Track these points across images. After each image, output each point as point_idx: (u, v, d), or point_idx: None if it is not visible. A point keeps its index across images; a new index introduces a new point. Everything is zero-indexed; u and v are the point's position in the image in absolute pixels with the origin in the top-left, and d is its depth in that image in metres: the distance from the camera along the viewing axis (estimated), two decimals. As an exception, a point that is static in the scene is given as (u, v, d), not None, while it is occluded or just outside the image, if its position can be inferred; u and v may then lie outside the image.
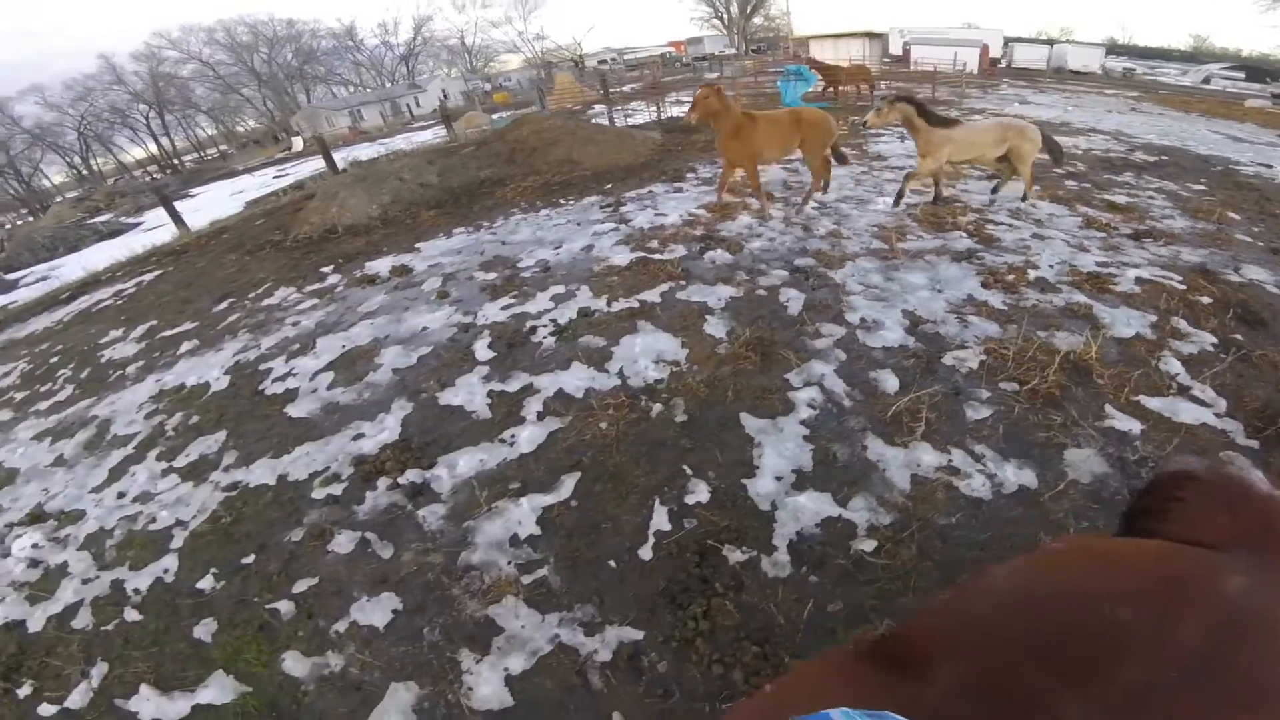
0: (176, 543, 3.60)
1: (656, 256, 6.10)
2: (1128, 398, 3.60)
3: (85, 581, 3.49)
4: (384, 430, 4.15)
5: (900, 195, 6.74)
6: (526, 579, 2.95)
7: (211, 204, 14.60)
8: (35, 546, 3.82)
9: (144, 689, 2.81)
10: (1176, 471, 1.08)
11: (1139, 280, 5.00)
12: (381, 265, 6.97)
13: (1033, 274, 5.19)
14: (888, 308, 4.80)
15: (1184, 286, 4.85)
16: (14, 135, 49.74)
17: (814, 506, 3.07)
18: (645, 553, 2.96)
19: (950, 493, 3.06)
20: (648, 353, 4.51)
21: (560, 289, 5.69)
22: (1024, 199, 7.08)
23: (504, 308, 5.51)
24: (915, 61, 23.03)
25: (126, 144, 56.25)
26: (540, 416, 4.01)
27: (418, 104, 46.11)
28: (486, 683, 2.58)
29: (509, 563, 3.05)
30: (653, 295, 5.33)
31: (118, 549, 3.67)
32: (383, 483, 3.70)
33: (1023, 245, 5.90)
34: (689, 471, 3.37)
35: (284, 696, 2.65)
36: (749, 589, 2.71)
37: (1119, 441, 3.30)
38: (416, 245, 7.38)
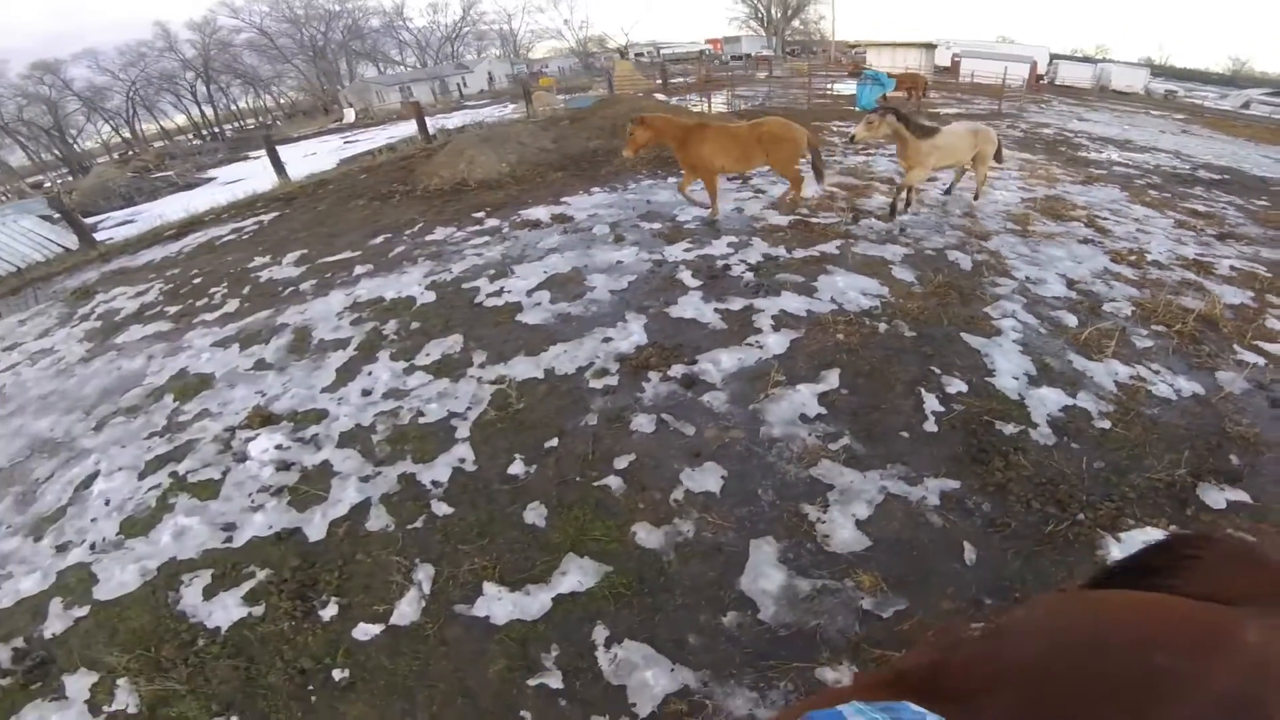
0: (462, 433, 3.64)
1: (813, 220, 6.44)
2: (1249, 341, 4.40)
3: (364, 479, 3.37)
4: (631, 335, 4.41)
5: (894, 209, 6.48)
6: (833, 446, 3.30)
7: (288, 163, 14.73)
8: (279, 448, 3.70)
9: (489, 587, 2.68)
10: (1192, 535, 1.19)
11: (1232, 268, 5.76)
12: (538, 213, 7.20)
13: (1149, 257, 5.88)
14: (1043, 270, 5.45)
15: (1270, 275, 5.65)
16: (64, 97, 49.79)
17: (1053, 397, 3.68)
18: (929, 427, 3.43)
19: (1147, 393, 3.78)
20: (851, 287, 4.98)
21: (733, 239, 5.99)
22: (976, 197, 7.24)
23: (685, 250, 5.81)
24: (972, 74, 23.85)
25: (170, 110, 56.08)
26: (775, 328, 4.38)
27: (465, 84, 46.57)
28: (841, 529, 2.85)
29: (810, 435, 3.39)
30: (828, 248, 5.72)
31: (390, 443, 3.63)
32: (654, 375, 3.96)
33: (1132, 236, 6.55)
34: (937, 371, 3.88)
35: (648, 570, 2.70)
36: (1029, 451, 3.23)
37: (1251, 369, 4.07)
38: (562, 199, 7.62)
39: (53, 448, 4.15)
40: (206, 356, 4.93)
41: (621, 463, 3.27)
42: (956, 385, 3.72)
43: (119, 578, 2.99)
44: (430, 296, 5.33)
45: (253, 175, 15.79)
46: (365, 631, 2.57)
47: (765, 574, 2.65)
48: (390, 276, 5.91)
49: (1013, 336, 4.26)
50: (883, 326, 4.34)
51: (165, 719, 2.39)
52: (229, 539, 3.10)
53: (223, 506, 3.31)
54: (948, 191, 7.50)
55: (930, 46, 23.23)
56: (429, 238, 6.88)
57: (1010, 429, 3.36)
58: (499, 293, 5.24)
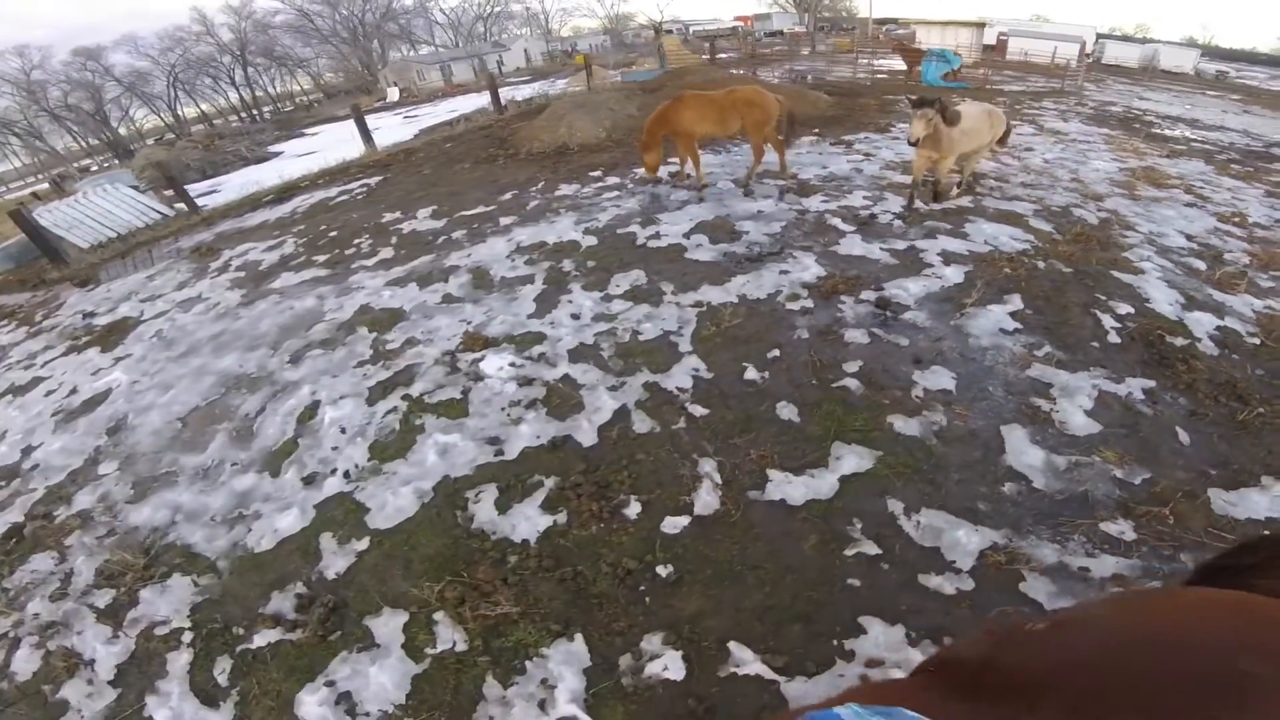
0: (684, 347, 3.84)
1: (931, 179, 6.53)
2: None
3: (612, 389, 3.54)
4: (807, 268, 4.59)
5: (912, 202, 5.80)
6: (1038, 353, 3.61)
7: (344, 139, 14.93)
8: (513, 365, 3.86)
9: (773, 474, 2.84)
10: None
11: (1334, 232, 6.00)
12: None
13: (1250, 219, 6.00)
14: (1160, 227, 5.67)
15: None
16: (106, 83, 50.55)
17: (1206, 320, 4.02)
18: (1113, 339, 3.77)
19: (1285, 322, 4.05)
20: (999, 233, 5.19)
21: (866, 193, 6.12)
22: (960, 185, 6.38)
23: (823, 201, 5.95)
24: (1025, 53, 23.64)
25: (208, 93, 56.61)
26: (945, 263, 4.62)
27: (502, 62, 46.95)
28: (1073, 416, 3.14)
29: (1014, 345, 3.68)
30: (963, 202, 5.86)
31: (620, 358, 3.81)
32: (847, 299, 4.15)
33: (1229, 203, 6.62)
34: (1103, 297, 4.21)
35: (916, 453, 2.93)
36: (1200, 359, 3.60)
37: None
38: (669, 160, 7.71)
39: (250, 383, 4.24)
40: (388, 294, 5.06)
41: (851, 368, 3.54)
42: (1123, 308, 4.08)
43: (393, 503, 2.97)
44: (592, 240, 5.49)
45: (323, 148, 16.00)
46: (673, 524, 2.67)
47: (1025, 452, 2.94)
48: (541, 225, 6.06)
49: (1155, 275, 4.57)
50: (1041, 264, 4.64)
51: (501, 650, 2.29)
52: (499, 452, 3.19)
53: (479, 422, 3.42)
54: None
55: (980, 25, 23.12)
56: (558, 193, 7.04)
57: (1180, 341, 3.74)
58: (656, 236, 5.39)
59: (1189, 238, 5.38)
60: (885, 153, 7.69)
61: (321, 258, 6.21)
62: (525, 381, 3.69)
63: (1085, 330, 3.82)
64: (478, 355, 3.99)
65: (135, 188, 10.31)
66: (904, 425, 3.08)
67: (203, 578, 2.87)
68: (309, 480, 3.24)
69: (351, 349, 4.36)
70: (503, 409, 3.49)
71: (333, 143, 16.91)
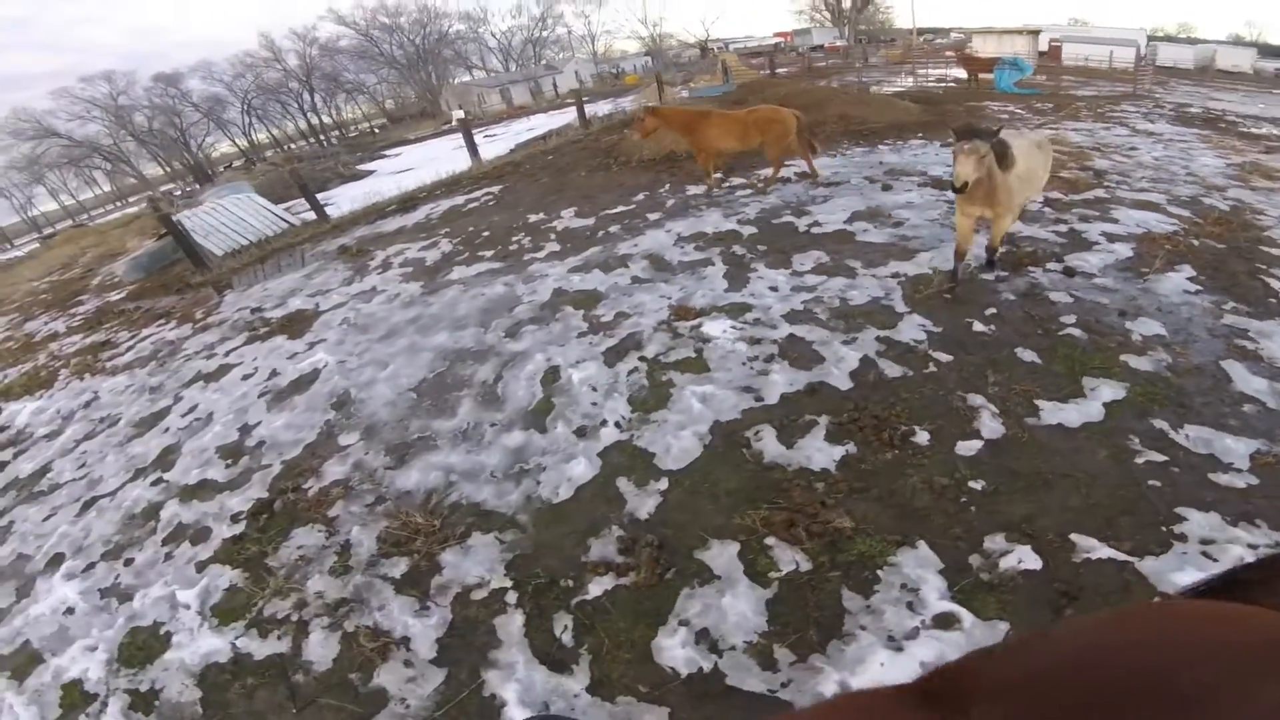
0: (900, 308, 4.16)
1: (1064, 175, 6.77)
2: None
3: (845, 343, 3.81)
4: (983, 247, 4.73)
5: (956, 278, 4.35)
6: (1224, 307, 3.98)
7: (436, 158, 15.77)
8: (735, 328, 4.13)
9: (1041, 403, 3.12)
10: None
11: None
12: (781, 172, 7.59)
13: None
14: None
15: None
16: (184, 108, 53.25)
17: None
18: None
19: None
20: (1145, 219, 5.44)
21: None
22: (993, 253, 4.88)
23: None
24: (1086, 59, 23.70)
25: (277, 119, 59.29)
26: (1110, 241, 4.96)
27: (556, 84, 49.11)
28: (1276, 352, 3.49)
29: (1202, 301, 4.04)
30: (1099, 193, 6.13)
31: (838, 318, 4.09)
32: (1034, 269, 4.52)
33: None
34: (1264, 266, 4.51)
35: (1158, 384, 3.22)
36: None
37: None
38: (786, 162, 8.01)
39: (475, 355, 4.51)
40: (577, 279, 5.39)
41: (1067, 320, 3.84)
42: None
43: (676, 446, 3.15)
44: (751, 229, 5.77)
45: (416, 165, 16.87)
46: (967, 448, 2.88)
47: (1249, 380, 3.22)
48: (690, 219, 6.38)
49: None
50: (1195, 242, 4.92)
51: (848, 563, 2.40)
52: (758, 398, 3.42)
53: (726, 375, 3.65)
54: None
55: (1035, 33, 23.38)
56: (689, 193, 7.38)
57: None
58: (816, 224, 5.65)
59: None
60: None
61: (487, 253, 6.60)
62: (753, 341, 3.96)
63: (1258, 290, 4.16)
64: (694, 322, 4.26)
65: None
66: (1137, 363, 3.37)
67: (505, 533, 2.89)
68: (580, 432, 3.45)
69: (565, 323, 4.65)
70: (742, 364, 3.75)
71: (423, 160, 17.82)
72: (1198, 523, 2.41)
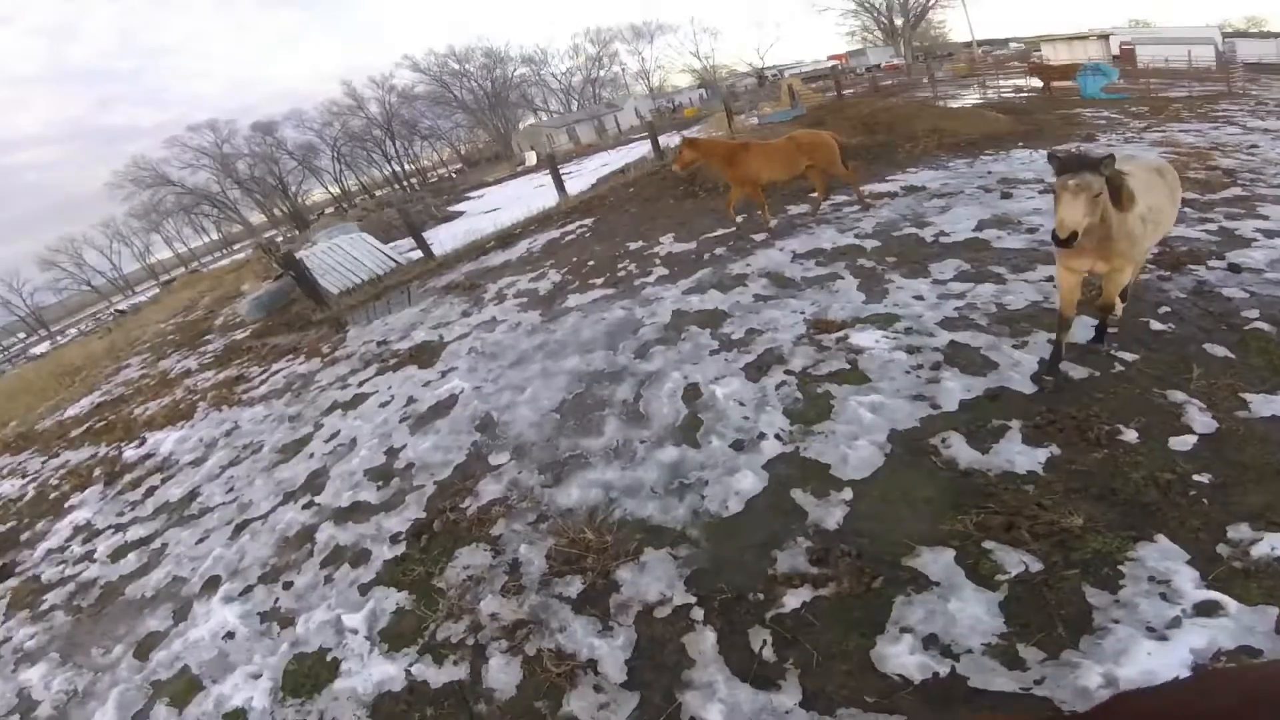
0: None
1: (1192, 175, 6.36)
2: None
3: (1015, 347, 3.66)
4: None
5: (1058, 360, 3.38)
6: None
7: (520, 197, 16.71)
8: (887, 338, 4.02)
9: (1247, 396, 2.94)
10: None
11: None
12: (881, 187, 7.62)
13: None
14: None
15: None
16: (280, 155, 57.86)
17: None
18: None
19: None
20: None
21: None
22: (1107, 325, 4.09)
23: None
24: (1166, 59, 22.40)
25: (362, 165, 63.52)
26: (1267, 237, 4.68)
27: (617, 122, 51.49)
28: None
29: None
30: (1237, 191, 5.81)
31: (1001, 324, 3.94)
32: (1195, 268, 4.28)
33: None
34: None
35: None
36: None
37: None
38: (887, 178, 7.95)
39: (610, 376, 4.56)
40: (696, 300, 5.42)
41: (1250, 314, 3.62)
42: None
43: (854, 456, 3.04)
44: (874, 243, 5.68)
45: (503, 205, 17.84)
46: (1181, 443, 2.73)
47: None
48: (802, 237, 6.37)
49: None
50: None
51: (1084, 561, 2.27)
52: (935, 405, 3.28)
53: (891, 385, 3.55)
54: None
55: (1106, 37, 22.41)
56: (792, 213, 7.40)
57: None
58: (943, 234, 5.49)
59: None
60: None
61: (597, 280, 6.78)
62: (912, 350, 3.82)
63: None
64: (839, 335, 4.17)
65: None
66: None
67: (679, 548, 2.80)
68: (738, 446, 3.38)
69: (695, 342, 4.66)
70: (906, 372, 3.62)
71: (508, 200, 18.78)
72: None
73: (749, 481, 3.09)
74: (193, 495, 4.96)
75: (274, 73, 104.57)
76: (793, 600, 2.40)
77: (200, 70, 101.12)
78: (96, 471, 6.19)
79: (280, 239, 23.08)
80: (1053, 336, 3.38)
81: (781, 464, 3.16)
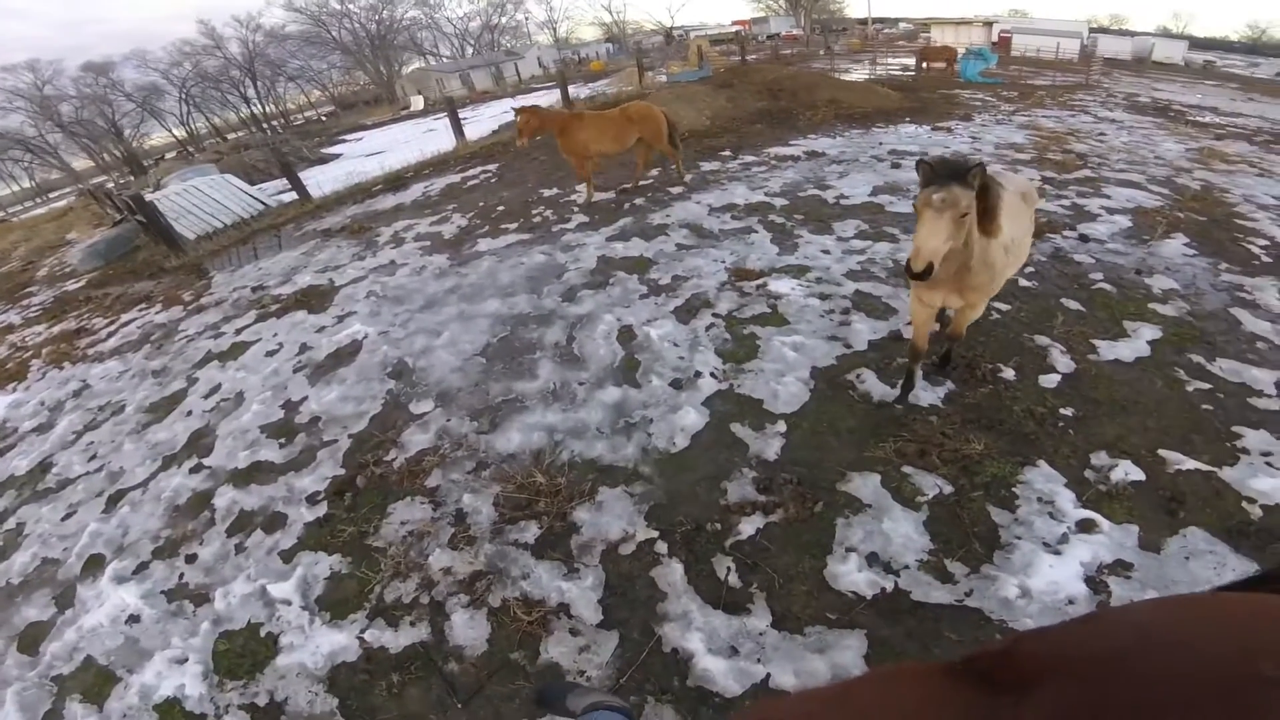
0: None
1: (1051, 156, 7.33)
2: None
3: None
4: None
5: (911, 385, 3.16)
6: (1220, 267, 4.51)
7: (399, 141, 15.20)
8: (802, 286, 4.32)
9: (1096, 342, 3.58)
10: None
11: None
12: (784, 150, 7.91)
13: None
14: (1248, 191, 6.46)
15: None
16: (116, 98, 50.00)
17: None
18: (1264, 258, 4.65)
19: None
20: (1133, 195, 6.04)
21: (1000, 165, 6.79)
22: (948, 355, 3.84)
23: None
24: (1039, 50, 24.82)
25: (216, 108, 56.19)
26: (1109, 213, 5.52)
27: (518, 71, 48.24)
28: (1270, 301, 4.03)
29: (1200, 263, 4.55)
30: (1086, 173, 6.70)
31: (896, 276, 4.32)
32: (1055, 236, 5.02)
33: None
34: (1240, 236, 5.14)
35: (1183, 328, 3.69)
36: None
37: None
38: (790, 142, 8.26)
39: (537, 319, 4.43)
40: (620, 246, 5.39)
41: (1095, 276, 4.28)
42: (1260, 241, 4.94)
43: (784, 392, 3.26)
44: (782, 201, 5.94)
45: (387, 148, 16.24)
46: (1048, 380, 3.23)
47: (1256, 324, 3.71)
48: (716, 192, 6.52)
49: (1267, 220, 5.41)
50: (1180, 215, 5.49)
51: (986, 484, 2.59)
52: (847, 345, 3.61)
53: (808, 327, 3.84)
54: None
55: (989, 24, 24.79)
56: (704, 169, 7.50)
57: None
58: (844, 196, 5.89)
59: (1276, 198, 6.22)
60: (988, 135, 8.46)
61: (510, 225, 6.50)
62: (824, 297, 4.14)
63: (1242, 253, 4.70)
64: (759, 282, 4.39)
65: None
66: (1163, 309, 3.85)
67: (633, 485, 2.84)
68: (676, 385, 3.48)
69: (623, 286, 4.68)
70: (821, 316, 3.93)
71: (393, 143, 17.18)
72: (1252, 439, 2.77)
73: (692, 418, 3.19)
74: (44, 466, 4.14)
75: (113, 13, 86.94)
76: (748, 527, 2.53)
77: (15, 8, 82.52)
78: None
79: (110, 185, 19.41)
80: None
81: (719, 400, 3.31)
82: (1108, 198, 5.81)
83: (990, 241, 2.43)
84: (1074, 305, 3.90)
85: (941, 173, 2.14)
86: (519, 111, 6.32)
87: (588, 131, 6.48)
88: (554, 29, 65.07)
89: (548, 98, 19.27)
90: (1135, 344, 3.47)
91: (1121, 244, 4.83)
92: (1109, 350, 3.43)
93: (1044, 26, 28.32)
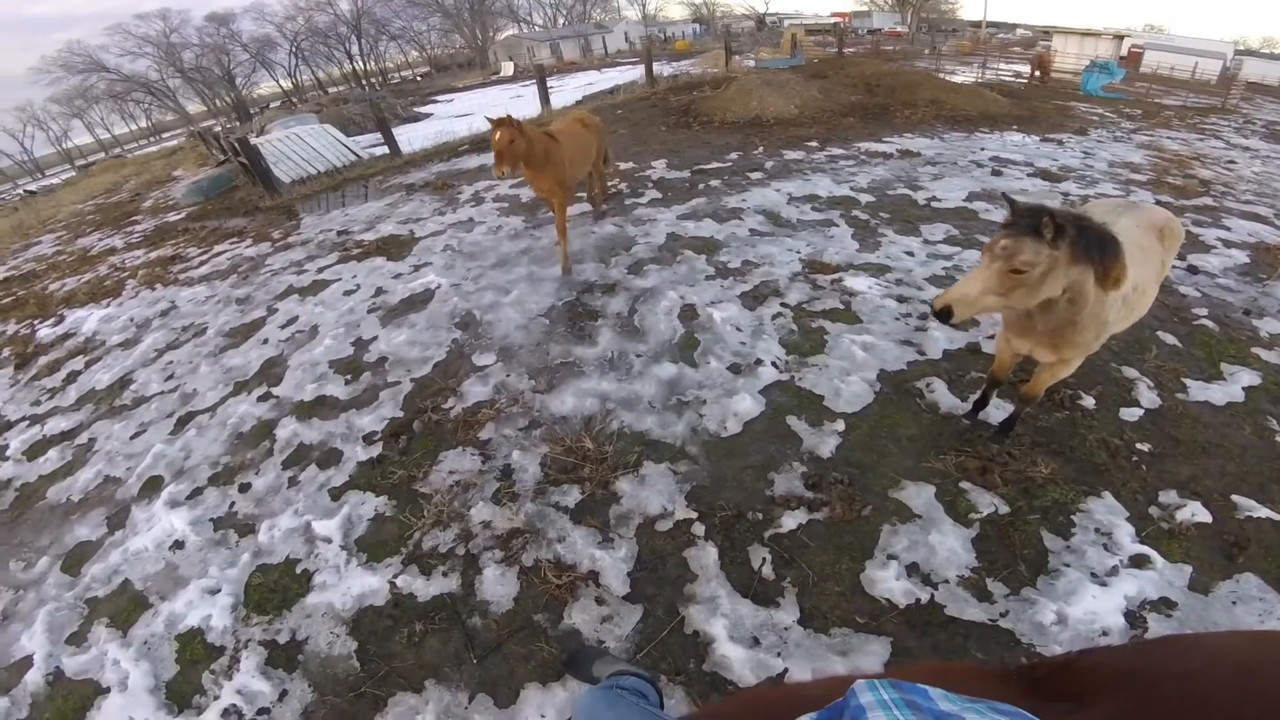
0: None
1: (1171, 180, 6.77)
2: None
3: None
4: None
5: (983, 405, 3.01)
6: None
7: (487, 105, 15.58)
8: (879, 285, 4.13)
9: (1188, 381, 3.33)
10: None
11: None
12: (878, 147, 7.60)
13: None
14: None
15: None
16: (233, 48, 54.29)
17: None
18: None
19: None
20: (1255, 229, 5.54)
21: (1113, 185, 6.29)
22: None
23: (1076, 186, 6.15)
24: (1172, 68, 22.92)
25: (322, 63, 59.77)
26: (1226, 246, 5.03)
27: (605, 44, 49.30)
28: None
29: None
30: (1207, 201, 6.11)
31: None
32: None
33: None
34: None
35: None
36: None
37: None
38: (884, 139, 7.94)
39: (604, 289, 4.44)
40: (691, 226, 5.34)
41: (1200, 312, 4.00)
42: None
43: (846, 390, 3.13)
44: (868, 198, 5.70)
45: (475, 110, 16.71)
46: (1129, 414, 2.99)
47: None
48: (798, 181, 6.32)
49: None
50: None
51: (1044, 508, 2.47)
52: (920, 351, 3.43)
53: (881, 328, 3.64)
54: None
55: (1121, 37, 22.82)
56: (788, 157, 7.28)
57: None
58: (935, 199, 5.60)
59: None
60: (1103, 152, 7.80)
61: (583, 194, 6.46)
62: (902, 299, 3.94)
63: None
64: (834, 277, 4.23)
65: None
66: (1267, 355, 3.50)
67: (679, 464, 2.79)
68: (735, 370, 3.40)
69: (690, 265, 4.62)
70: (896, 319, 3.74)
71: (479, 107, 17.66)
72: (1346, 493, 2.56)
73: (747, 404, 3.11)
74: (124, 382, 4.36)
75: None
76: (790, 521, 2.45)
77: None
78: (5, 353, 5.43)
79: (218, 129, 20.71)
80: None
81: (777, 391, 3.21)
82: (1227, 229, 5.29)
83: (1107, 295, 2.04)
84: (1170, 339, 3.58)
85: (1022, 218, 1.84)
86: (496, 125, 4.17)
87: (570, 150, 4.71)
88: (643, 5, 64.65)
89: (632, 73, 19.21)
90: (1230, 388, 3.19)
91: (1234, 280, 4.40)
92: (1200, 391, 3.15)
93: (1183, 45, 25.74)
